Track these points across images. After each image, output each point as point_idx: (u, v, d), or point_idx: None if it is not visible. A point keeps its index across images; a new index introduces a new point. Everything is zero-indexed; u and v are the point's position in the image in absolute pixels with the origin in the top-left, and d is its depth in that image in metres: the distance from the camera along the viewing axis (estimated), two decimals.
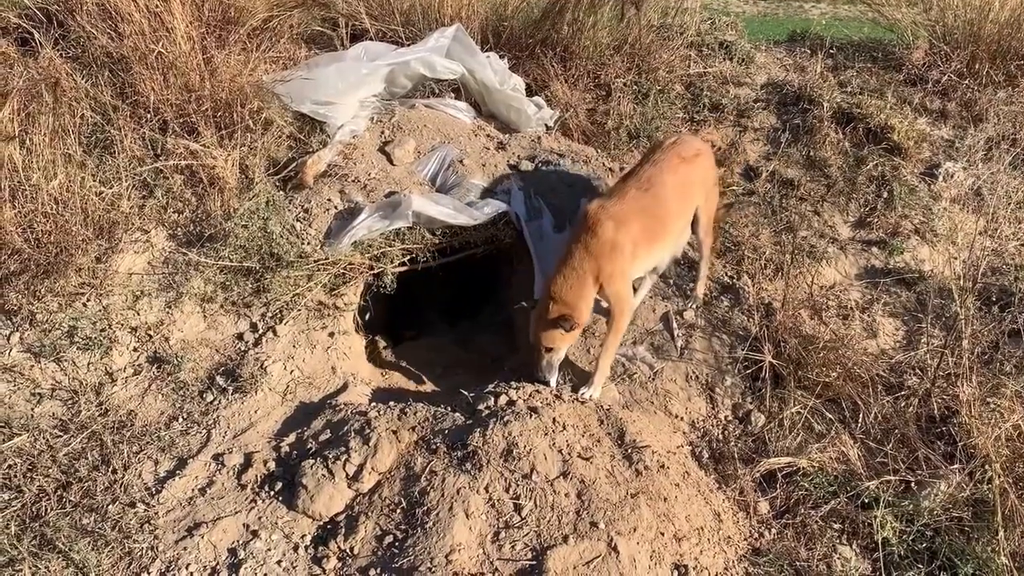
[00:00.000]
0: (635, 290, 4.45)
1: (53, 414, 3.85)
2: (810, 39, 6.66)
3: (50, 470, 3.55)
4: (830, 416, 3.98)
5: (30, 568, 3.13)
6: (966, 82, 5.76)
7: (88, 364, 4.02)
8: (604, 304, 4.19)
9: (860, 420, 3.95)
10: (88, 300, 4.13)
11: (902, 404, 4.03)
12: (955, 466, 3.67)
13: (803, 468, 3.79)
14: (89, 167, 4.39)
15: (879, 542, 3.48)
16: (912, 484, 3.68)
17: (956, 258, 4.82)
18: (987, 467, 3.57)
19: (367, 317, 4.88)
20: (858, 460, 3.78)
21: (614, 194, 4.18)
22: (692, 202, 4.40)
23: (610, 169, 5.30)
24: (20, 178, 4.11)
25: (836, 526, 3.65)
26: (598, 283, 3.97)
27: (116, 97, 4.64)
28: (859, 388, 4.05)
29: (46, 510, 3.39)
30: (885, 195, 5.17)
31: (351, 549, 3.21)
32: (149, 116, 4.62)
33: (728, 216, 5.04)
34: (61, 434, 3.73)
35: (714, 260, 4.76)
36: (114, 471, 3.58)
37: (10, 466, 3.54)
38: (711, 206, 4.57)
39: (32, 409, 3.86)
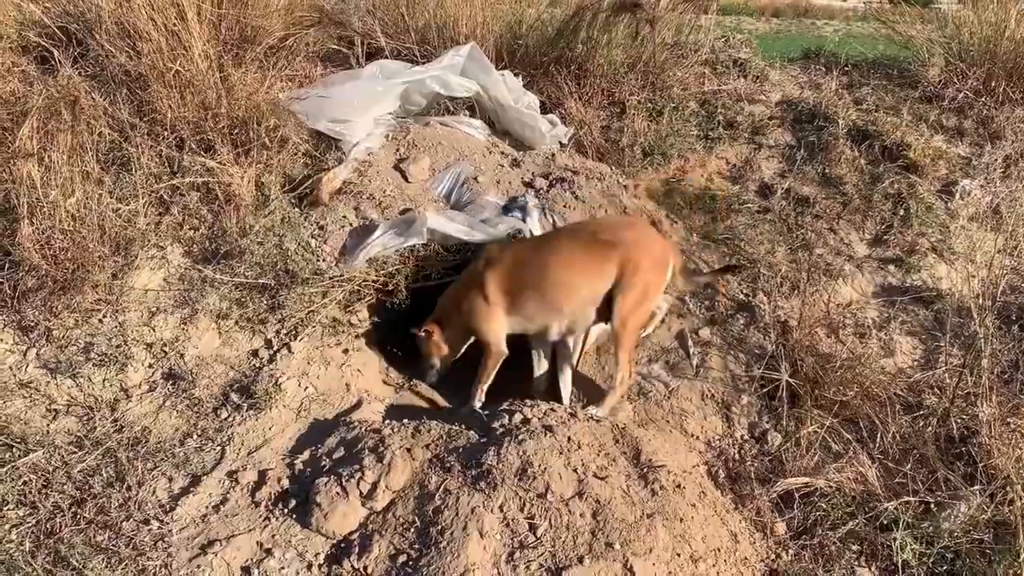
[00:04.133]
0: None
1: (68, 430, 3.86)
2: (824, 56, 6.67)
3: (65, 486, 3.55)
4: (848, 436, 3.94)
5: None
6: (982, 100, 5.74)
7: (103, 380, 4.02)
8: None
9: (878, 440, 3.91)
10: (104, 316, 4.15)
11: (921, 424, 3.98)
12: (975, 487, 3.61)
13: (820, 488, 3.75)
14: (106, 184, 4.42)
15: (898, 564, 3.44)
16: (932, 505, 3.63)
17: (974, 276, 4.78)
18: (1008, 488, 3.52)
19: (379, 334, 4.87)
20: (876, 480, 3.73)
21: (512, 244, 4.38)
22: (592, 284, 4.04)
23: (624, 186, 5.30)
24: (38, 195, 4.14)
25: (854, 548, 3.60)
26: (464, 316, 4.26)
27: (134, 115, 4.68)
28: (877, 407, 4.01)
29: (60, 526, 3.38)
30: (901, 213, 5.14)
31: (365, 568, 3.18)
32: (166, 134, 4.65)
33: (743, 234, 5.03)
34: (76, 450, 3.73)
35: (632, 367, 4.15)
36: (128, 488, 3.57)
37: (25, 482, 3.54)
38: (628, 304, 3.99)
39: (48, 425, 3.87)
